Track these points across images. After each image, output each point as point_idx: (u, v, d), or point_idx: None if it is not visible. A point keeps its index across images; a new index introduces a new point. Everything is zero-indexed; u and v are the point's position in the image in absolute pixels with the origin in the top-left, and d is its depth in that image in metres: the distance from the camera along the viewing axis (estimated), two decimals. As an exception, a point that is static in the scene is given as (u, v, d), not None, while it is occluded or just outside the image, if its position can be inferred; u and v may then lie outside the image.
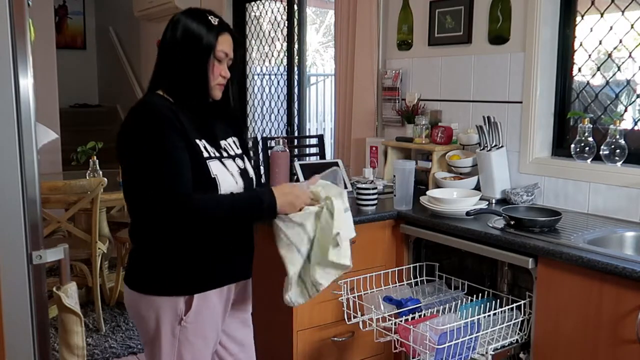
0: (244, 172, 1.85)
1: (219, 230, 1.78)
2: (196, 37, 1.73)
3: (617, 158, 2.44)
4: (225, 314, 1.87)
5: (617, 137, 2.44)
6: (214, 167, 1.74)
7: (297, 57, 4.56)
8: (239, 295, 1.93)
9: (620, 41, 2.54)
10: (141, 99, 1.79)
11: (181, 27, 1.75)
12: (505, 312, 2.24)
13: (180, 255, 1.74)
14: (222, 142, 1.84)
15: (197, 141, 1.73)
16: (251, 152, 2.02)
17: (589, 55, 2.66)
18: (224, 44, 1.76)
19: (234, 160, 1.84)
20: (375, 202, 2.66)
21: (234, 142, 1.90)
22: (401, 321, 2.20)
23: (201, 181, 1.70)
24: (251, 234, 1.91)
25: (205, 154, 1.73)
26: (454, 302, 2.39)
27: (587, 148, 2.54)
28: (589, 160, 2.54)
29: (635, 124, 2.56)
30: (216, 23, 1.75)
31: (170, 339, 1.76)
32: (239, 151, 1.90)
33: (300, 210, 1.79)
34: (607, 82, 2.62)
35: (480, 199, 2.60)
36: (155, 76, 1.82)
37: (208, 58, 1.74)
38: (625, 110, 2.58)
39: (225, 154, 1.81)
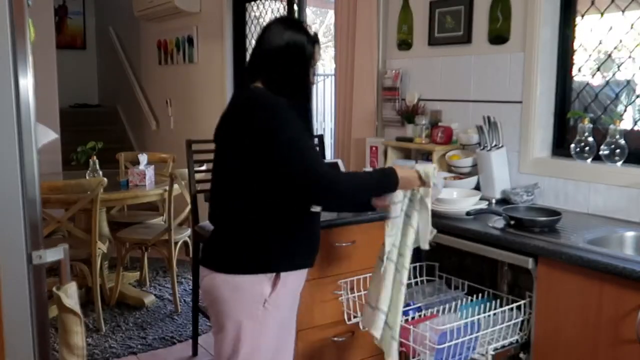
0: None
1: (308, 214, 1.91)
2: (301, 48, 1.90)
3: (617, 158, 2.44)
4: (297, 298, 2.02)
5: (617, 137, 2.44)
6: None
7: (297, 57, 4.56)
8: (303, 283, 2.05)
9: (620, 41, 2.54)
10: (254, 92, 1.89)
11: (287, 36, 1.89)
12: (505, 312, 2.24)
13: (271, 236, 1.85)
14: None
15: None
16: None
17: (589, 55, 2.66)
18: (317, 54, 1.96)
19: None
20: (375, 202, 2.66)
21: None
22: (401, 321, 2.20)
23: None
24: (319, 223, 2.05)
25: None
26: (454, 302, 2.39)
27: (587, 148, 2.54)
28: (589, 160, 2.54)
29: (635, 124, 2.56)
30: (313, 34, 1.94)
31: (252, 322, 1.85)
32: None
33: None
34: (607, 82, 2.62)
35: (480, 199, 2.60)
36: (253, 72, 1.93)
37: (309, 66, 1.93)
38: (625, 110, 2.58)
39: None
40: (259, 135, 1.79)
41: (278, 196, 1.84)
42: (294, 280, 1.95)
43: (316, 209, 1.93)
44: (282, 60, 1.90)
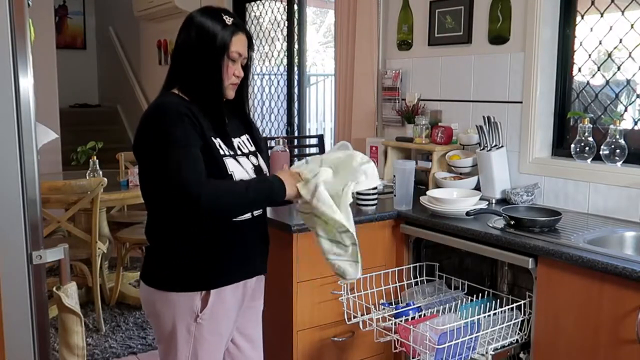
0: (258, 169, 1.87)
1: (235, 225, 1.79)
2: (210, 36, 1.73)
3: (617, 158, 2.45)
4: (239, 310, 1.89)
5: (617, 137, 2.44)
6: (230, 164, 1.76)
7: (297, 57, 4.57)
8: (253, 292, 1.95)
9: (620, 41, 2.54)
10: (157, 98, 1.80)
11: (195, 25, 1.76)
12: (505, 312, 2.24)
13: (197, 251, 1.76)
14: (236, 140, 1.86)
15: (213, 139, 1.75)
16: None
17: (589, 55, 2.66)
18: (238, 44, 1.77)
19: (248, 158, 1.86)
20: (375, 202, 2.66)
21: (247, 139, 1.92)
22: (401, 321, 2.20)
23: (217, 178, 1.72)
24: (266, 230, 1.94)
25: (221, 152, 1.76)
26: (454, 302, 2.39)
27: (587, 148, 2.54)
28: (589, 160, 2.54)
29: (635, 124, 2.56)
30: (230, 22, 1.75)
31: (186, 336, 1.78)
32: (252, 148, 1.92)
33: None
34: (607, 82, 2.62)
35: (480, 199, 2.60)
36: (170, 75, 1.83)
37: (222, 58, 1.74)
38: (625, 110, 2.58)
39: (239, 152, 1.83)
40: (141, 150, 1.74)
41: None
42: (233, 293, 1.83)
43: (244, 216, 1.81)
44: (189, 54, 1.75)
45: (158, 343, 1.88)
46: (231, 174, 1.75)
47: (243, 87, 1.88)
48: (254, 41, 1.99)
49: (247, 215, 1.82)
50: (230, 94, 1.82)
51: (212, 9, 1.80)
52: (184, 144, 1.67)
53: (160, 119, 1.71)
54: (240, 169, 1.79)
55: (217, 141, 1.77)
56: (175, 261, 1.77)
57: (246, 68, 1.84)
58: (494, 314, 2.21)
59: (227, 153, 1.77)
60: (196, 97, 1.76)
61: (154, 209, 1.83)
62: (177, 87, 1.80)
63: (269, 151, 2.80)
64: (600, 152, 2.48)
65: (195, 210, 1.68)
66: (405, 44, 3.33)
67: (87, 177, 3.74)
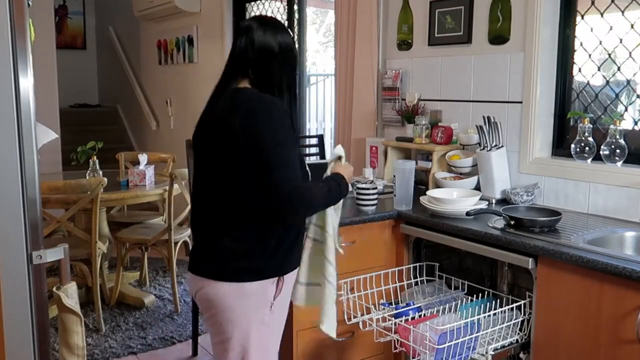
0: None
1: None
2: (292, 50, 1.94)
3: (617, 158, 2.45)
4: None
5: (617, 137, 2.44)
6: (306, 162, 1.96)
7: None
8: None
9: (621, 41, 2.54)
10: (256, 94, 1.84)
11: (280, 38, 1.90)
12: (505, 312, 2.24)
13: (270, 240, 1.83)
14: None
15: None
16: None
17: (589, 55, 2.66)
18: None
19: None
20: (375, 202, 2.66)
21: None
22: (401, 321, 2.20)
23: (303, 177, 1.87)
24: None
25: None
26: (454, 302, 2.39)
27: (587, 148, 2.54)
28: (589, 160, 2.54)
29: (635, 124, 2.56)
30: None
31: (260, 326, 1.85)
32: None
33: None
34: (607, 82, 2.62)
35: (480, 199, 2.60)
36: (242, 69, 1.89)
37: (298, 67, 1.98)
38: (625, 110, 2.58)
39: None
40: (251, 138, 1.74)
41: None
42: (291, 278, 1.96)
43: None
44: (276, 62, 1.90)
45: (224, 342, 1.86)
46: (307, 171, 1.92)
47: None
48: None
49: None
50: None
51: (279, 23, 1.97)
52: (292, 145, 1.80)
53: (276, 116, 1.78)
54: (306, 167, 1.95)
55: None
56: (250, 252, 1.81)
57: None
58: (494, 314, 2.21)
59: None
60: (280, 98, 1.88)
61: (230, 200, 1.81)
62: (246, 82, 1.88)
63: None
64: (600, 152, 2.48)
65: (293, 208, 1.77)
66: (405, 44, 3.33)
67: (87, 177, 3.74)
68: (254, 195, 1.78)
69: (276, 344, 1.94)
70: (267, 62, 1.88)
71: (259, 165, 1.74)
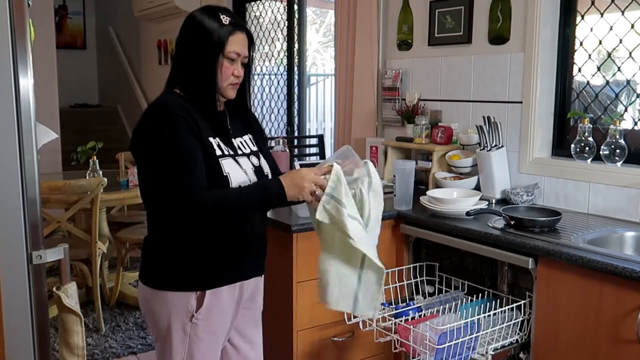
0: (258, 170, 1.85)
1: (233, 226, 1.78)
2: (206, 35, 1.72)
3: (617, 158, 2.45)
4: (236, 311, 1.88)
5: (617, 137, 2.44)
6: (227, 165, 1.74)
7: (297, 57, 4.56)
8: (251, 293, 1.93)
9: (620, 41, 2.54)
10: (157, 97, 1.80)
11: (193, 24, 1.76)
12: (505, 312, 2.24)
13: (194, 251, 1.76)
14: (238, 140, 1.85)
15: (211, 139, 1.74)
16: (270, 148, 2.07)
17: (589, 55, 2.66)
18: (236, 44, 1.75)
19: (249, 158, 1.84)
20: (375, 202, 2.66)
21: (249, 139, 1.91)
22: (401, 321, 2.20)
23: (214, 179, 1.71)
24: (264, 231, 1.93)
25: (219, 152, 1.74)
26: (454, 302, 2.40)
27: (587, 148, 2.54)
28: (589, 160, 2.54)
29: (635, 124, 2.56)
30: (227, 22, 1.73)
31: (181, 335, 1.77)
32: (254, 148, 1.90)
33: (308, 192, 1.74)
34: (607, 82, 2.62)
35: (480, 199, 2.60)
36: (171, 74, 1.83)
37: (217, 57, 1.73)
38: (625, 110, 2.58)
39: (240, 152, 1.82)
40: (138, 150, 1.74)
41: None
42: (229, 294, 1.82)
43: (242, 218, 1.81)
44: (186, 53, 1.75)
45: (155, 342, 1.88)
46: (227, 175, 1.73)
47: (245, 87, 1.87)
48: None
49: (246, 217, 1.82)
50: (231, 94, 1.81)
51: (211, 8, 1.79)
52: (181, 148, 1.67)
53: (157, 120, 1.71)
54: (238, 170, 1.77)
55: (216, 141, 1.76)
56: (172, 260, 1.77)
57: (246, 68, 1.83)
58: (494, 314, 2.21)
59: (226, 153, 1.76)
60: (193, 96, 1.76)
61: (151, 208, 1.82)
62: (178, 86, 1.80)
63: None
64: (600, 152, 2.48)
65: (189, 214, 1.69)
66: (405, 44, 3.33)
67: (87, 177, 3.74)
68: (157, 203, 1.75)
69: (205, 355, 1.81)
70: (180, 55, 1.79)
71: (146, 173, 1.74)
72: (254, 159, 1.86)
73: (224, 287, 1.80)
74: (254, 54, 1.87)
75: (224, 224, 1.77)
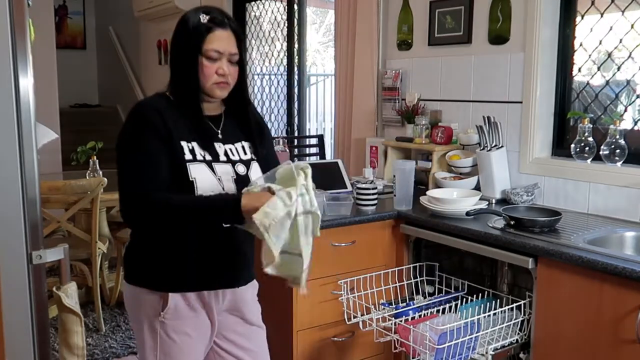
0: (243, 179, 1.75)
1: (202, 235, 1.74)
2: (184, 35, 1.70)
3: (617, 158, 2.44)
4: (215, 317, 1.81)
5: (617, 137, 2.44)
6: (195, 169, 1.68)
7: (297, 57, 4.56)
8: (235, 303, 1.85)
9: (620, 41, 2.54)
10: (138, 102, 1.81)
11: (178, 24, 1.75)
12: (505, 312, 2.24)
13: (161, 254, 1.75)
14: (227, 146, 1.78)
15: (184, 143, 1.69)
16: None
17: (589, 55, 2.66)
18: (216, 42, 1.68)
19: (234, 166, 1.76)
20: (375, 202, 2.66)
21: (245, 147, 1.82)
22: (401, 321, 2.20)
23: (179, 184, 1.67)
24: (249, 247, 1.84)
25: (189, 157, 1.68)
26: (454, 302, 2.40)
27: (587, 148, 2.54)
28: (589, 160, 2.54)
29: (635, 124, 2.56)
30: (205, 20, 1.68)
31: (150, 332, 1.77)
32: (247, 157, 1.81)
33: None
34: (607, 82, 2.62)
35: (480, 199, 2.60)
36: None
37: (195, 56, 1.68)
38: (625, 110, 2.58)
39: (224, 159, 1.75)
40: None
41: None
42: (199, 299, 1.76)
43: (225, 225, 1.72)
44: (171, 53, 1.75)
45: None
46: (192, 180, 1.67)
47: (242, 89, 1.81)
48: (250, 40, 1.95)
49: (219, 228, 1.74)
50: (218, 93, 1.74)
51: (198, 8, 1.75)
52: (139, 150, 1.66)
53: (126, 121, 1.72)
54: (208, 176, 1.69)
55: (191, 145, 1.70)
56: (144, 259, 1.78)
57: (241, 67, 1.77)
58: (494, 314, 2.21)
59: (199, 158, 1.70)
60: (177, 97, 1.74)
61: None
62: (169, 87, 1.79)
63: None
64: (600, 152, 2.48)
65: (137, 218, 1.69)
66: (405, 44, 3.33)
67: (87, 177, 3.74)
68: None
69: (185, 355, 1.77)
70: (170, 54, 1.79)
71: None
72: (240, 167, 1.77)
73: (190, 292, 1.75)
74: (249, 52, 1.85)
75: (195, 230, 1.72)
